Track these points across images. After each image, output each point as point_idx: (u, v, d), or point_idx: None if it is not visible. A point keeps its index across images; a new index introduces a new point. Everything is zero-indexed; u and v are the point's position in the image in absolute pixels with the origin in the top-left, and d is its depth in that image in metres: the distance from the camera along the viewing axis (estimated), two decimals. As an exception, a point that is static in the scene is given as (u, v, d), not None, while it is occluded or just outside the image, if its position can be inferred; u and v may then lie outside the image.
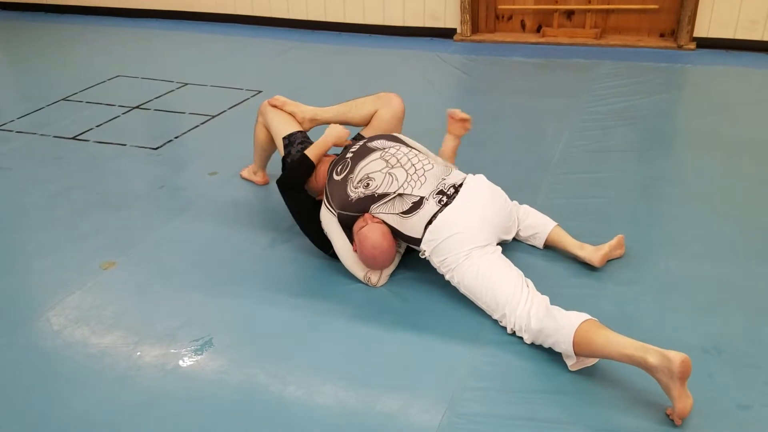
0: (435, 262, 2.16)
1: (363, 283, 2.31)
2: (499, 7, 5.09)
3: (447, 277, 2.15)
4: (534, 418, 1.76)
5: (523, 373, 1.92)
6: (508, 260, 2.14)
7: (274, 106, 2.78)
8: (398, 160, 2.29)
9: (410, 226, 2.18)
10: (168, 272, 2.46)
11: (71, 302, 2.31)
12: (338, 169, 2.37)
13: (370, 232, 2.19)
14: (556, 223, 2.44)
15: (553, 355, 1.96)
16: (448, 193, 2.20)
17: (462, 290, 2.13)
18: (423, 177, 2.24)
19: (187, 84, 4.43)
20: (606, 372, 1.88)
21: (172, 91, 4.33)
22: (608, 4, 4.83)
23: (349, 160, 2.37)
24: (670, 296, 2.20)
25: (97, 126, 3.81)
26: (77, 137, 3.67)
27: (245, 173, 3.12)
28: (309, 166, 2.44)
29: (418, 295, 2.26)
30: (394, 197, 2.21)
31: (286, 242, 2.61)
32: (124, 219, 2.83)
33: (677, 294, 2.21)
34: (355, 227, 2.26)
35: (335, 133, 2.53)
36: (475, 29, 5.17)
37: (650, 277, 2.30)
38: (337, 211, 2.29)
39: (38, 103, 4.16)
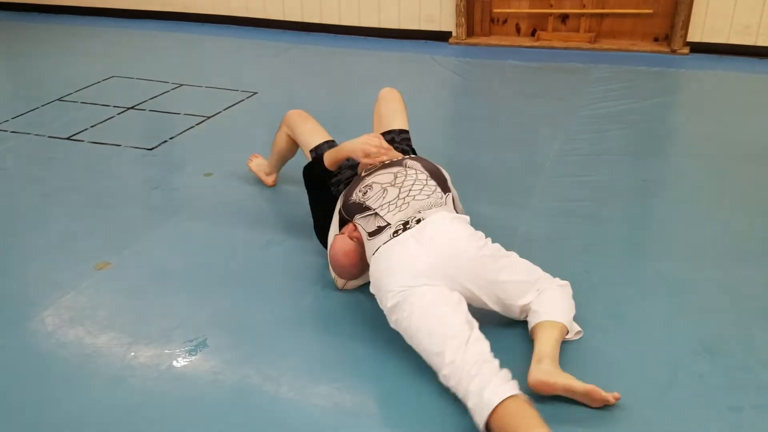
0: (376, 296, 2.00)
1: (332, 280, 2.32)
2: (494, 10, 5.11)
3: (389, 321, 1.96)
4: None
5: (516, 372, 1.92)
6: (447, 297, 1.87)
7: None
8: (404, 181, 2.16)
9: (368, 250, 2.07)
10: (162, 273, 2.46)
11: (65, 303, 2.31)
12: (367, 169, 2.30)
13: (336, 243, 2.15)
14: (554, 319, 1.94)
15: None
16: (408, 226, 2.01)
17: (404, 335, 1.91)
18: (405, 204, 2.07)
19: (182, 85, 4.43)
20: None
21: (168, 91, 4.32)
22: (603, 9, 4.85)
23: (380, 165, 2.29)
24: (662, 298, 2.21)
25: (92, 126, 3.81)
26: (72, 137, 3.67)
27: (254, 166, 3.08)
28: (322, 169, 2.38)
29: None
30: (371, 214, 2.10)
31: (281, 243, 2.61)
32: (119, 219, 2.83)
33: (669, 296, 2.22)
34: (343, 229, 2.24)
35: (353, 146, 2.33)
36: (470, 32, 5.19)
37: (642, 279, 2.31)
38: (340, 206, 2.29)
39: (33, 103, 4.16)
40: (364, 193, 2.19)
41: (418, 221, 2.02)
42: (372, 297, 2.26)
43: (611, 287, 2.25)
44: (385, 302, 1.93)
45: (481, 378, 1.66)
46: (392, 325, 1.95)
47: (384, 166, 2.27)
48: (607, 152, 3.26)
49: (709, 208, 2.76)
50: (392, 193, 2.13)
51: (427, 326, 1.81)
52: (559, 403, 1.80)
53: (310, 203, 2.47)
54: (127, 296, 2.34)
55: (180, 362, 2.02)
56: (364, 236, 2.10)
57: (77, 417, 1.84)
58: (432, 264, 1.91)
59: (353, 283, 2.29)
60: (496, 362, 1.73)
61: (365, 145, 2.31)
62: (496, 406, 1.60)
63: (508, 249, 2.07)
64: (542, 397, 1.80)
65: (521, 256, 2.08)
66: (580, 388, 1.73)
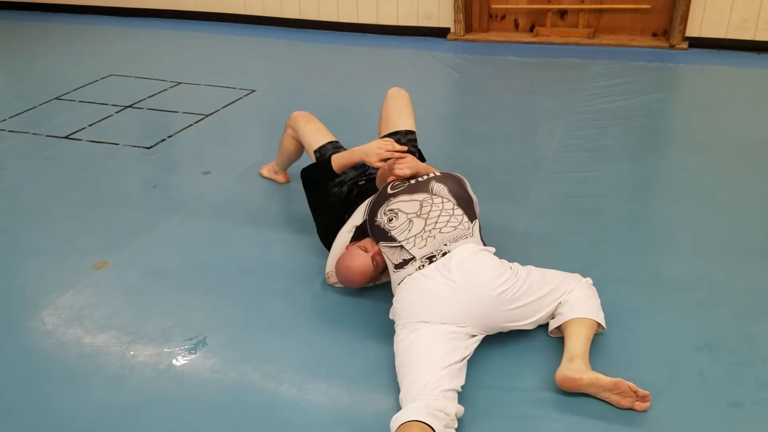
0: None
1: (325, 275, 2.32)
2: (493, 6, 5.11)
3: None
4: (525, 416, 1.77)
5: (514, 371, 1.92)
6: (455, 335, 1.86)
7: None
8: (429, 212, 2.12)
9: (393, 280, 2.08)
10: (161, 272, 2.46)
11: (64, 302, 2.31)
12: (395, 184, 2.25)
13: (356, 260, 2.14)
14: (590, 317, 1.96)
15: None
16: (434, 259, 2.00)
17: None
18: (431, 237, 2.05)
19: (180, 83, 4.42)
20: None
21: (166, 90, 4.32)
22: (601, 4, 4.84)
23: (405, 185, 2.23)
24: (662, 294, 2.21)
25: (90, 125, 3.80)
26: (70, 136, 3.66)
27: (265, 172, 3.11)
28: (329, 172, 2.37)
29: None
30: (398, 247, 2.08)
31: (280, 242, 2.61)
32: (117, 218, 2.83)
33: (669, 292, 2.22)
34: (364, 242, 2.22)
35: (366, 151, 2.32)
36: (468, 29, 5.18)
37: (642, 275, 2.31)
38: (366, 218, 2.25)
39: (31, 102, 4.15)
40: (390, 220, 2.14)
41: (444, 254, 2.00)
42: (371, 295, 2.27)
43: (611, 283, 2.25)
44: (398, 333, 1.93)
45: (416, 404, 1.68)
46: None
47: (410, 188, 2.21)
48: (606, 148, 3.26)
49: (708, 204, 2.75)
50: (418, 225, 2.09)
51: (409, 366, 1.81)
52: (559, 400, 1.80)
53: (310, 204, 2.47)
54: (126, 295, 2.34)
55: (179, 361, 2.02)
56: (390, 266, 2.09)
57: (76, 416, 1.84)
58: (454, 300, 1.91)
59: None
60: (445, 414, 1.70)
61: (380, 149, 2.29)
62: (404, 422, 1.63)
63: (507, 247, 2.06)
64: (553, 395, 1.81)
65: (521, 253, 2.08)
66: (606, 381, 1.75)
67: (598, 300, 2.05)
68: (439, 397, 1.71)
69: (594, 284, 2.11)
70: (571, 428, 1.73)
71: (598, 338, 1.99)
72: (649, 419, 1.74)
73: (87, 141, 3.61)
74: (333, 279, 2.29)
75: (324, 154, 2.60)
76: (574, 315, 1.94)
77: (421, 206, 2.14)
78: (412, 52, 4.93)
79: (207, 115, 3.89)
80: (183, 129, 3.72)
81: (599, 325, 1.97)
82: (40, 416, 1.84)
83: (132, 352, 2.06)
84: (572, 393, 1.80)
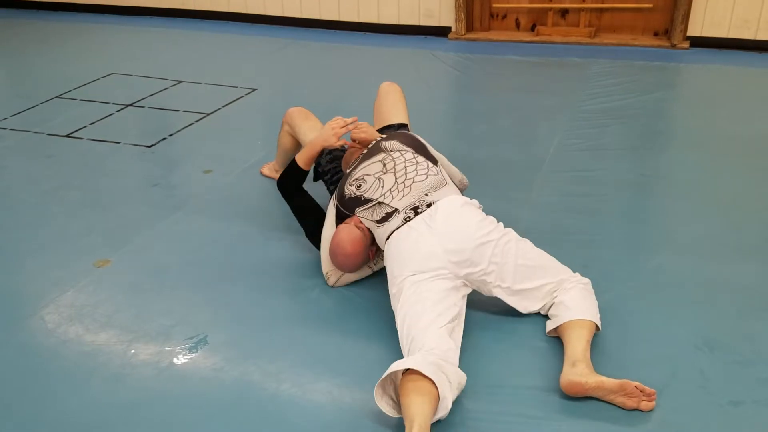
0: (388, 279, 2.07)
1: (323, 278, 2.32)
2: (494, 5, 5.10)
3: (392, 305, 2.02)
4: (525, 415, 1.77)
5: (515, 370, 1.92)
6: (445, 292, 1.93)
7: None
8: (394, 166, 2.21)
9: (379, 236, 2.13)
10: (162, 270, 2.46)
11: (65, 300, 2.31)
12: (351, 162, 2.34)
13: (342, 231, 2.17)
14: (587, 318, 1.95)
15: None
16: (419, 210, 2.08)
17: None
18: (408, 188, 2.13)
19: (181, 82, 4.42)
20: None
21: (166, 88, 4.32)
22: (602, 3, 4.84)
23: (361, 155, 2.32)
24: (662, 293, 2.21)
25: (91, 124, 3.80)
26: (71, 135, 3.66)
27: (266, 171, 3.12)
28: (298, 173, 2.41)
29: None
30: (375, 204, 2.15)
31: (280, 240, 2.61)
32: (118, 217, 2.83)
33: (669, 290, 2.22)
34: (341, 224, 2.25)
35: (322, 136, 2.41)
36: (469, 28, 5.18)
37: (642, 273, 2.31)
38: (336, 203, 2.29)
39: (31, 100, 4.15)
40: (358, 187, 2.20)
41: (429, 205, 2.07)
42: (371, 294, 2.27)
43: (611, 282, 2.25)
44: (391, 288, 2.01)
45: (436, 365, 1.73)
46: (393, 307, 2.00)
47: (365, 156, 2.28)
48: (607, 147, 3.26)
49: (708, 203, 2.75)
50: (389, 180, 2.16)
51: (409, 321, 1.89)
52: (560, 400, 1.80)
53: (294, 212, 2.46)
54: (127, 294, 2.34)
55: (180, 359, 2.02)
56: (372, 225, 2.14)
57: (77, 415, 1.84)
58: (441, 250, 1.97)
59: (346, 279, 2.29)
60: (447, 359, 1.78)
61: (333, 130, 2.38)
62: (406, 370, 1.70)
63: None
64: (553, 395, 1.81)
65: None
66: (612, 384, 1.74)
67: (596, 301, 2.05)
68: (439, 356, 1.76)
69: (594, 283, 2.11)
70: (572, 428, 1.73)
71: (597, 338, 1.98)
72: (650, 418, 1.73)
73: (88, 139, 3.61)
74: (333, 278, 2.29)
75: (320, 152, 2.60)
76: (572, 317, 1.94)
77: (384, 164, 2.21)
78: (414, 51, 4.92)
79: (208, 114, 3.89)
80: (184, 128, 3.72)
81: (596, 327, 1.97)
82: (41, 414, 1.85)
83: (133, 351, 2.06)
84: (551, 390, 1.81)
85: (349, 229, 2.17)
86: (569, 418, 1.75)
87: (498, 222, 2.09)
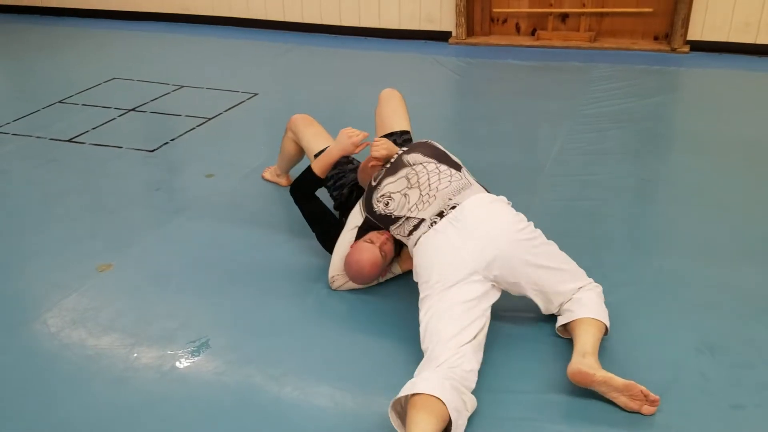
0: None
1: (327, 279, 2.32)
2: (494, 10, 5.11)
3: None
4: (527, 418, 1.77)
5: (517, 374, 1.93)
6: (473, 302, 1.90)
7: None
8: (418, 180, 2.16)
9: (409, 245, 2.13)
10: (164, 274, 2.47)
11: (68, 304, 2.31)
12: (375, 176, 2.30)
13: (366, 252, 2.16)
14: (600, 318, 1.96)
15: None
16: (444, 214, 2.06)
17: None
18: (433, 197, 2.10)
19: (183, 86, 4.43)
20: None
21: (168, 93, 4.33)
22: (602, 8, 4.85)
23: (383, 170, 2.28)
24: (664, 296, 2.22)
25: (93, 128, 3.81)
26: (73, 140, 3.67)
27: (268, 175, 3.12)
28: (314, 181, 2.43)
29: (415, 298, 2.26)
30: (404, 220, 2.13)
31: (282, 244, 2.61)
32: (121, 221, 2.83)
33: (671, 294, 2.23)
34: (368, 236, 2.24)
35: (340, 145, 2.43)
36: (470, 32, 5.19)
37: (644, 277, 2.32)
38: (365, 214, 2.28)
39: (34, 105, 4.16)
40: (386, 204, 2.18)
41: (453, 207, 2.06)
42: (374, 298, 2.28)
43: (613, 286, 2.25)
44: (420, 291, 1.99)
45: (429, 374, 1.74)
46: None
47: (388, 171, 2.25)
48: (608, 151, 3.26)
49: (710, 206, 2.76)
50: (414, 195, 2.14)
51: (433, 328, 1.87)
52: (562, 403, 1.81)
53: (305, 217, 2.47)
54: (129, 297, 2.35)
55: (183, 363, 2.02)
56: (403, 239, 2.14)
57: (80, 418, 1.84)
58: (470, 251, 1.96)
59: (350, 285, 2.30)
60: (466, 383, 1.77)
61: (350, 138, 2.41)
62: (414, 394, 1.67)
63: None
64: (554, 397, 1.81)
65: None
66: (619, 382, 1.74)
67: (605, 307, 2.05)
68: (459, 381, 1.74)
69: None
70: (573, 431, 1.73)
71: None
72: (652, 421, 1.74)
73: (90, 144, 3.62)
74: (338, 282, 2.30)
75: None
76: (587, 314, 1.95)
77: (408, 179, 2.19)
78: (414, 55, 4.94)
79: (210, 119, 3.90)
80: (186, 132, 3.73)
81: (605, 331, 1.97)
82: (44, 418, 1.85)
83: (135, 354, 2.07)
84: (576, 394, 1.80)
85: (372, 251, 2.16)
86: (571, 422, 1.75)
87: (528, 221, 2.09)
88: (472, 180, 2.19)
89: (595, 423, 1.75)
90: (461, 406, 1.69)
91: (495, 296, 1.98)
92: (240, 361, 2.02)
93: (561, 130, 3.51)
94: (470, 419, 1.75)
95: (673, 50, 4.66)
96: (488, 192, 2.19)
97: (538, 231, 2.08)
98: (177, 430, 1.80)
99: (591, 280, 2.10)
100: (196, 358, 2.04)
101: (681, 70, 4.38)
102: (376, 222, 2.22)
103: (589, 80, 4.22)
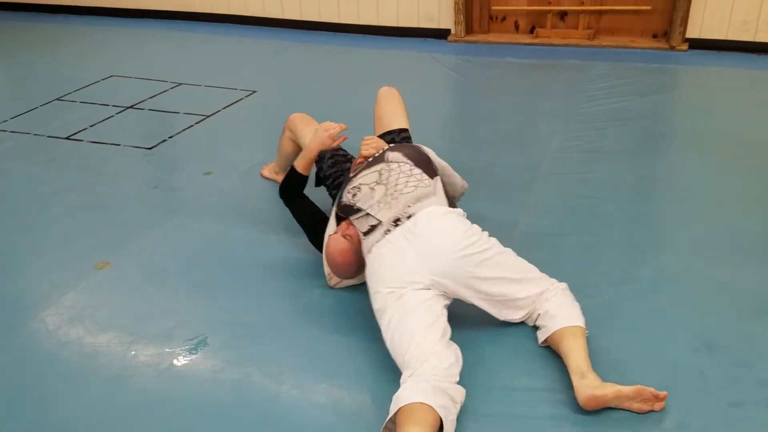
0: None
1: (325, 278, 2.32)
2: (493, 8, 5.11)
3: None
4: (522, 416, 1.77)
5: (516, 371, 1.93)
6: (429, 302, 1.91)
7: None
8: (389, 177, 2.18)
9: (364, 248, 2.11)
10: (162, 272, 2.46)
11: (65, 302, 2.31)
12: (354, 168, 2.32)
13: (330, 244, 2.16)
14: (576, 324, 1.95)
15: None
16: (399, 223, 2.04)
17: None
18: (394, 200, 2.09)
19: (181, 84, 4.43)
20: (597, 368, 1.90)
21: (166, 90, 4.32)
22: (601, 5, 4.85)
23: (365, 162, 2.30)
24: (662, 295, 2.22)
25: (91, 126, 3.81)
26: (71, 137, 3.67)
27: (266, 172, 3.12)
28: (298, 179, 2.41)
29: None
30: (364, 215, 2.12)
31: (280, 242, 2.61)
32: (118, 219, 2.83)
33: (669, 293, 2.23)
34: (337, 228, 2.24)
35: (317, 139, 2.40)
36: (468, 30, 5.19)
37: (642, 276, 2.31)
38: (335, 209, 2.30)
39: (32, 103, 4.15)
40: (353, 195, 2.19)
41: (409, 217, 2.04)
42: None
43: (611, 284, 2.26)
44: (373, 303, 1.98)
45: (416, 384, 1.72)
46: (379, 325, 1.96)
47: (368, 164, 2.27)
48: (606, 149, 3.26)
49: (708, 205, 2.76)
50: (380, 191, 2.15)
51: (399, 338, 1.86)
52: (557, 402, 1.81)
53: (295, 217, 2.46)
54: (127, 296, 2.34)
55: (180, 361, 2.02)
56: (360, 236, 2.12)
57: (77, 416, 1.84)
58: (421, 264, 1.95)
59: (347, 282, 2.29)
60: (450, 378, 1.76)
61: (327, 132, 2.38)
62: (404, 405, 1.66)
63: (506, 246, 2.06)
64: (549, 395, 1.81)
65: (519, 253, 2.08)
66: (629, 391, 1.73)
67: (576, 303, 2.03)
68: (442, 378, 1.73)
69: (593, 285, 2.12)
70: (571, 430, 1.73)
71: (596, 339, 1.99)
72: (650, 420, 1.74)
73: (88, 142, 3.61)
74: (334, 280, 2.30)
75: (323, 156, 2.61)
76: (559, 325, 1.93)
77: (380, 174, 2.19)
78: (413, 53, 4.93)
79: (208, 116, 3.89)
80: (184, 130, 3.72)
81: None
82: (42, 416, 1.85)
83: (133, 353, 2.06)
84: (572, 393, 1.80)
85: (336, 240, 2.15)
86: (567, 420, 1.75)
87: (483, 231, 2.06)
88: (439, 190, 2.17)
89: (591, 421, 1.74)
90: (448, 402, 1.69)
91: (447, 301, 1.98)
92: (238, 359, 2.02)
93: (559, 127, 3.51)
94: (466, 417, 1.75)
95: (672, 48, 4.66)
96: (454, 205, 2.17)
97: (493, 241, 2.05)
98: (175, 427, 1.80)
99: (554, 281, 2.08)
100: (193, 356, 2.04)
101: (679, 68, 4.38)
102: (341, 215, 2.22)
103: (588, 78, 4.22)
